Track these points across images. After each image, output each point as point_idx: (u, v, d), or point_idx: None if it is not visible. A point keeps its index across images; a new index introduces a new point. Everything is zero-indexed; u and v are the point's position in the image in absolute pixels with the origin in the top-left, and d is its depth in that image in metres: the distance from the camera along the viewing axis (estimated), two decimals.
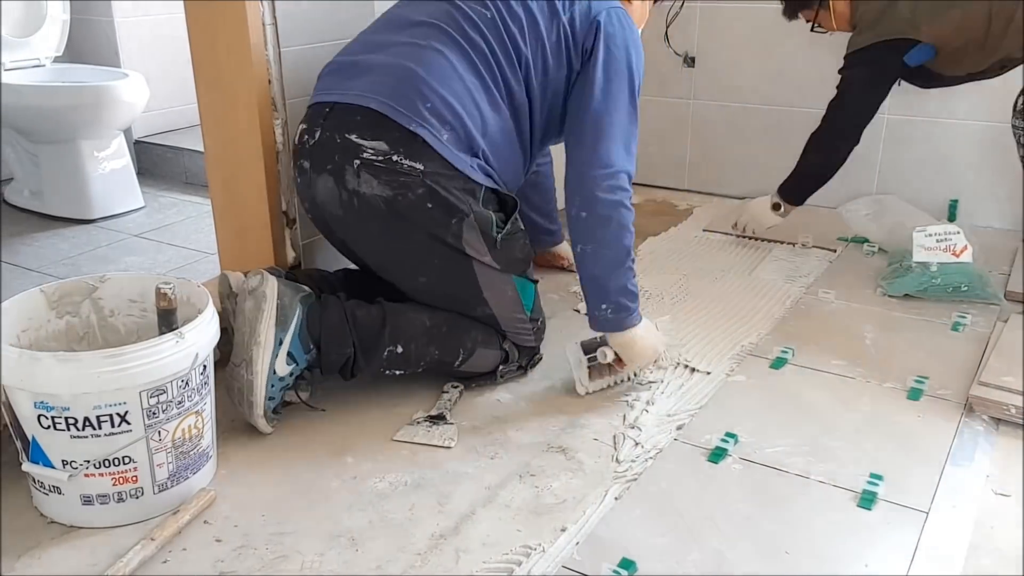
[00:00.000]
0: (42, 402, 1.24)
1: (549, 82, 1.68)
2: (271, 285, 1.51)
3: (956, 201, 2.60)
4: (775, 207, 2.36)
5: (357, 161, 1.54)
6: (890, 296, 2.11)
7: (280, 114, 1.79)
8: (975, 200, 2.59)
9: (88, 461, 1.28)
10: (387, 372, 1.62)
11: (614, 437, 1.56)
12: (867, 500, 1.37)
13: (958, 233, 2.11)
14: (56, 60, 3.05)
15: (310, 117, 1.64)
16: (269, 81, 1.76)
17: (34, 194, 2.85)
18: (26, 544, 1.29)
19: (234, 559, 1.26)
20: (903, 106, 2.61)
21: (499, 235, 1.63)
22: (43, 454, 1.28)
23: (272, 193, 1.82)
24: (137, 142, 3.27)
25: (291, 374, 1.54)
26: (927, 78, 2.29)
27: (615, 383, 1.71)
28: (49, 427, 1.26)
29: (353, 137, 1.55)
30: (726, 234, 2.56)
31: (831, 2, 2.25)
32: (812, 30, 2.34)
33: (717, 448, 1.50)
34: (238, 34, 1.70)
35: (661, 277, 2.27)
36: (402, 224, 1.57)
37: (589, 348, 1.68)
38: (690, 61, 2.87)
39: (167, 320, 1.38)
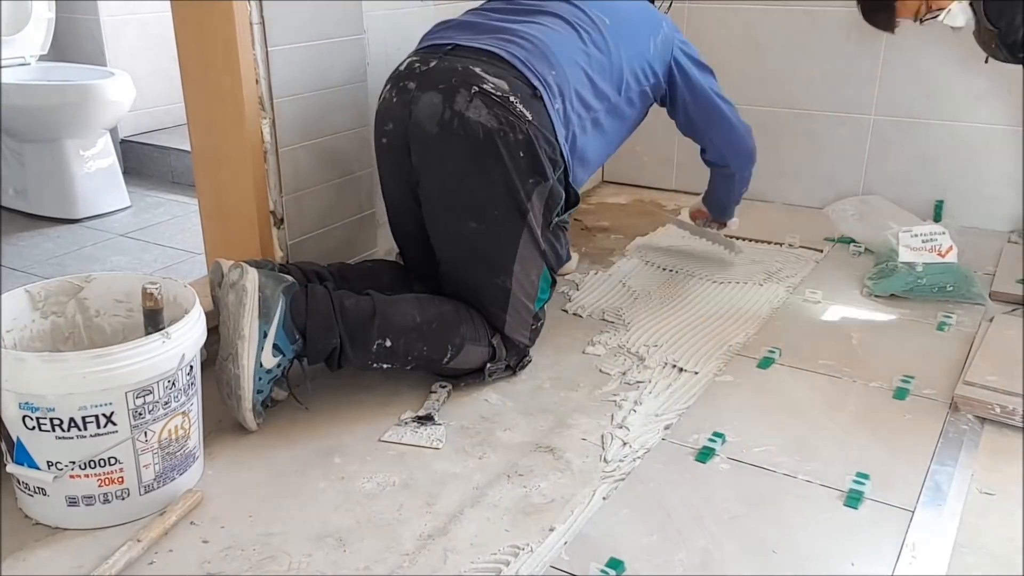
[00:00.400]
0: (27, 403, 1.24)
1: (635, 91, 1.85)
2: (251, 278, 1.50)
3: (942, 202, 2.62)
4: None
5: (475, 88, 1.59)
6: (876, 296, 2.12)
7: (267, 114, 1.78)
8: (960, 201, 2.60)
9: (73, 462, 1.27)
10: (375, 365, 1.62)
11: (602, 437, 1.56)
12: (853, 499, 1.37)
13: (944, 234, 2.12)
14: (41, 59, 3.03)
15: (424, 52, 1.70)
16: (257, 81, 1.75)
17: (19, 193, 2.83)
18: (11, 546, 1.28)
19: (221, 560, 1.25)
20: (889, 107, 2.62)
21: (556, 219, 1.70)
22: (28, 455, 1.27)
23: (260, 193, 1.81)
24: (123, 141, 3.25)
25: (279, 365, 1.54)
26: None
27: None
28: (34, 428, 1.25)
29: (477, 69, 1.61)
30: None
31: None
32: (922, 21, 2.07)
33: (705, 448, 1.51)
34: (225, 34, 1.69)
35: (649, 277, 2.28)
36: (489, 159, 1.59)
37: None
38: None
39: (153, 320, 1.37)
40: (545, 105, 1.62)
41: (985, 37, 2.01)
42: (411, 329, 1.61)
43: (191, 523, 1.33)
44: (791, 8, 2.67)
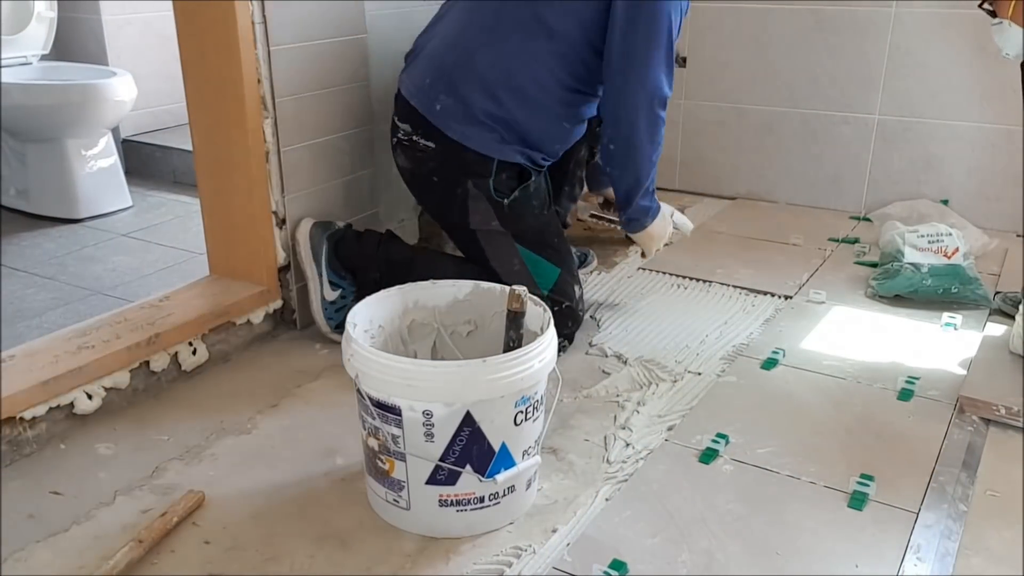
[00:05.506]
0: (524, 397, 1.25)
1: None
2: (301, 230, 1.84)
3: (946, 201, 2.61)
4: None
5: (395, 139, 1.82)
6: (881, 297, 2.11)
7: (269, 113, 1.78)
8: (965, 201, 2.60)
9: (536, 440, 1.32)
10: None
11: (605, 438, 1.56)
12: (857, 501, 1.37)
13: (950, 235, 2.11)
14: (43, 58, 3.03)
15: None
16: (259, 80, 1.75)
17: (20, 193, 2.83)
18: (11, 547, 1.28)
19: (223, 560, 1.25)
20: (893, 106, 2.61)
21: (507, 201, 1.77)
22: (508, 457, 1.27)
23: (261, 193, 1.81)
24: (125, 141, 3.25)
25: (343, 297, 1.83)
26: None
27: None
28: (522, 422, 1.27)
29: (397, 119, 1.82)
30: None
31: None
32: (980, 6, 1.88)
33: (708, 449, 1.50)
34: (227, 33, 1.69)
35: (652, 277, 2.27)
36: (421, 192, 1.86)
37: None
38: (681, 61, 2.87)
39: (516, 323, 1.37)
40: (441, 130, 1.73)
41: None
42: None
43: (193, 524, 1.33)
44: (795, 7, 2.66)
